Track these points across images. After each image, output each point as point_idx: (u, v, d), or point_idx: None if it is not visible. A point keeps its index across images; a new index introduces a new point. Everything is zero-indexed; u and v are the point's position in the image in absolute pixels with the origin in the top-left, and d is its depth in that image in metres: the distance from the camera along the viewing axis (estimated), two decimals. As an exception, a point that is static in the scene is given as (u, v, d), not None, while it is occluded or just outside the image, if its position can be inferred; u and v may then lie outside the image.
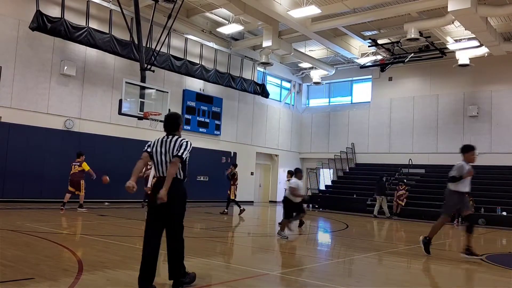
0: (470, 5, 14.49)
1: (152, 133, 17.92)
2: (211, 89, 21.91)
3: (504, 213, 16.89)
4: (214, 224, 12.83)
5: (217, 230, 11.44)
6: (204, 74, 20.20)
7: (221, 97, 22.37)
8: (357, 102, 26.64)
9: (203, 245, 8.66)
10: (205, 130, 21.49)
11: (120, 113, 14.50)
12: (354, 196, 21.45)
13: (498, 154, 20.63)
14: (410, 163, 22.68)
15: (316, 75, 25.62)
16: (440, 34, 19.44)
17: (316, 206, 22.13)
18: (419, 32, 17.88)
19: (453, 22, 17.01)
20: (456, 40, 20.05)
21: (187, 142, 4.60)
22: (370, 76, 25.56)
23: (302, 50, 23.64)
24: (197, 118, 21.05)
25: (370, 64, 23.16)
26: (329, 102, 27.95)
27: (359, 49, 23.09)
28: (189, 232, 10.52)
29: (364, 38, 20.92)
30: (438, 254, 8.37)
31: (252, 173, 24.31)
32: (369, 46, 21.32)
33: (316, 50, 24.35)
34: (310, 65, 25.18)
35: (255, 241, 10.29)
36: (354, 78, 26.63)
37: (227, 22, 20.17)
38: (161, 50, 16.77)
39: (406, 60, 21.52)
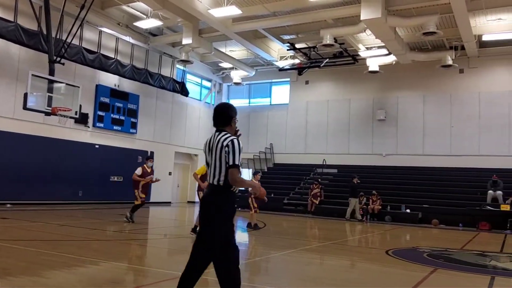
0: (380, 15, 15.45)
1: (60, 130, 16.82)
2: (127, 85, 21.03)
3: (408, 210, 18.20)
4: (128, 226, 12.30)
5: (132, 232, 10.99)
6: (120, 69, 19.34)
7: (138, 94, 21.56)
8: (276, 103, 27.20)
9: (116, 248, 8.26)
10: (119, 128, 20.56)
11: (25, 107, 13.37)
12: (272, 195, 21.81)
13: (403, 155, 22.19)
14: (324, 163, 23.63)
15: (236, 75, 25.74)
16: (353, 42, 20.51)
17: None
18: (334, 38, 18.68)
19: (365, 31, 18.02)
20: (367, 48, 21.28)
21: (233, 144, 3.75)
22: (288, 79, 26.24)
23: (223, 49, 23.61)
24: (111, 115, 20.07)
25: (288, 67, 23.74)
26: (249, 103, 28.23)
27: (278, 52, 23.58)
28: (101, 235, 10.01)
29: (283, 41, 21.41)
30: (350, 250, 8.76)
31: (170, 173, 23.76)
32: (287, 50, 21.86)
33: (236, 51, 24.45)
34: (230, 65, 25.22)
35: (171, 243, 10.04)
36: (273, 80, 27.16)
37: (145, 16, 19.50)
38: (72, 42, 15.71)
39: (321, 65, 22.30)
